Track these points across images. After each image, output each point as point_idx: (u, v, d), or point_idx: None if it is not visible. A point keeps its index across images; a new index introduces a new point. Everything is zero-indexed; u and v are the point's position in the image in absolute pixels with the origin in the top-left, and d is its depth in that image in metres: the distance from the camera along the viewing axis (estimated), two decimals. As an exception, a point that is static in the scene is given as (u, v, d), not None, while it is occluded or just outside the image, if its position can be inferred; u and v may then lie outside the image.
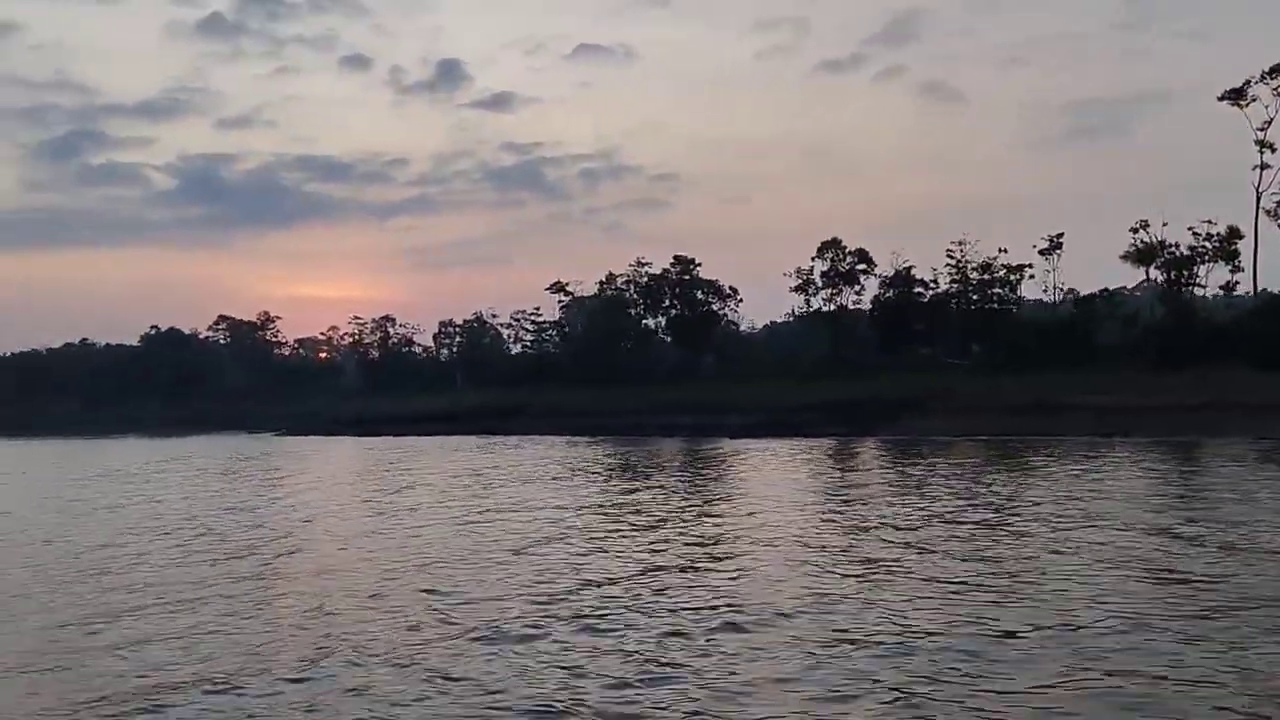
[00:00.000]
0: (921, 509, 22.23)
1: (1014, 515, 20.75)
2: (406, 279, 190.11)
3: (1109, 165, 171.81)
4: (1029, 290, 79.03)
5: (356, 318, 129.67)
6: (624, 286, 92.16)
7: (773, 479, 31.58)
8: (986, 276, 77.47)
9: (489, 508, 25.41)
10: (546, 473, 36.53)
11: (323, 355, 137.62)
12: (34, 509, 29.15)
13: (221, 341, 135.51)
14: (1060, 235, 74.71)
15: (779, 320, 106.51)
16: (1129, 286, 78.68)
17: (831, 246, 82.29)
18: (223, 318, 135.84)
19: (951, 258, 78.90)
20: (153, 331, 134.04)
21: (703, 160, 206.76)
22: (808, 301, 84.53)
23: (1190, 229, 65.69)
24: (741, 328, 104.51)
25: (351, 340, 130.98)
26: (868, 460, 39.23)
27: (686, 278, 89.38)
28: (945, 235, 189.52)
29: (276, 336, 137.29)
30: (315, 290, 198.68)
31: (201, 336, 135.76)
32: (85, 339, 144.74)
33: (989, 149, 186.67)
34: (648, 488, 29.61)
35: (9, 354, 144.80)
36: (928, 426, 52.65)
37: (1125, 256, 67.26)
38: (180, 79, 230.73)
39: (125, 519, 25.43)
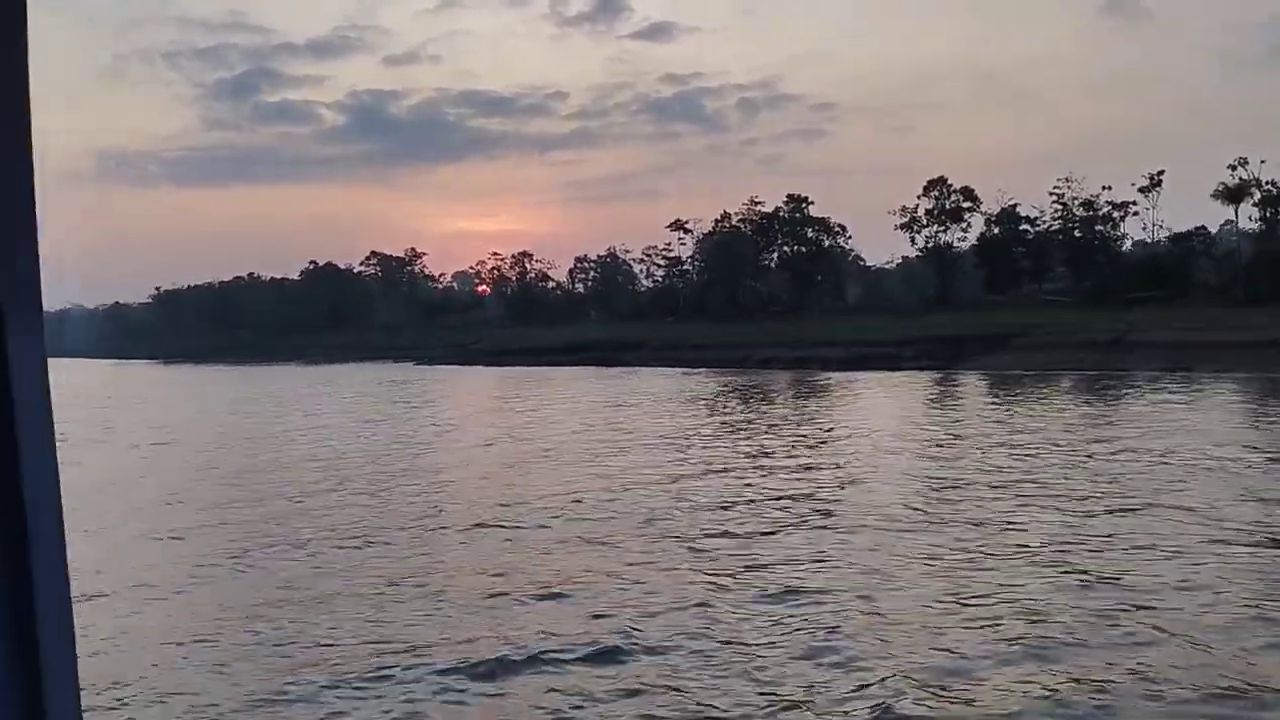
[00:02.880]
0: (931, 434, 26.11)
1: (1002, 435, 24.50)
2: (565, 212, 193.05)
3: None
4: (1133, 227, 79.63)
5: (495, 253, 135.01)
6: (739, 225, 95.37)
7: (840, 412, 35.63)
8: (1089, 214, 78.37)
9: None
10: (641, 401, 41.30)
11: (481, 289, 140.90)
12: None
13: (372, 276, 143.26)
14: (1161, 173, 75.19)
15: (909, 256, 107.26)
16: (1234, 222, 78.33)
17: (938, 184, 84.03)
18: (374, 253, 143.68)
19: (1057, 194, 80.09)
20: (311, 266, 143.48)
21: (864, 89, 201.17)
22: (912, 239, 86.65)
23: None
24: (869, 263, 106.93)
25: (494, 275, 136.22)
26: (928, 394, 42.67)
27: (798, 215, 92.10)
28: (1119, 164, 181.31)
29: (424, 270, 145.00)
30: (476, 224, 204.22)
31: (355, 271, 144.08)
32: (253, 273, 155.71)
33: (1175, 70, 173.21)
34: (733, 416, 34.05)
35: (188, 286, 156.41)
36: (1008, 361, 55.41)
37: (1216, 194, 67.72)
38: (350, 17, 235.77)
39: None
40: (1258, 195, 66.95)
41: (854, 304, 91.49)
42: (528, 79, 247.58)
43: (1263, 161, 67.08)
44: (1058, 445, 23.75)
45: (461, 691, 8.72)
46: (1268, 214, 67.02)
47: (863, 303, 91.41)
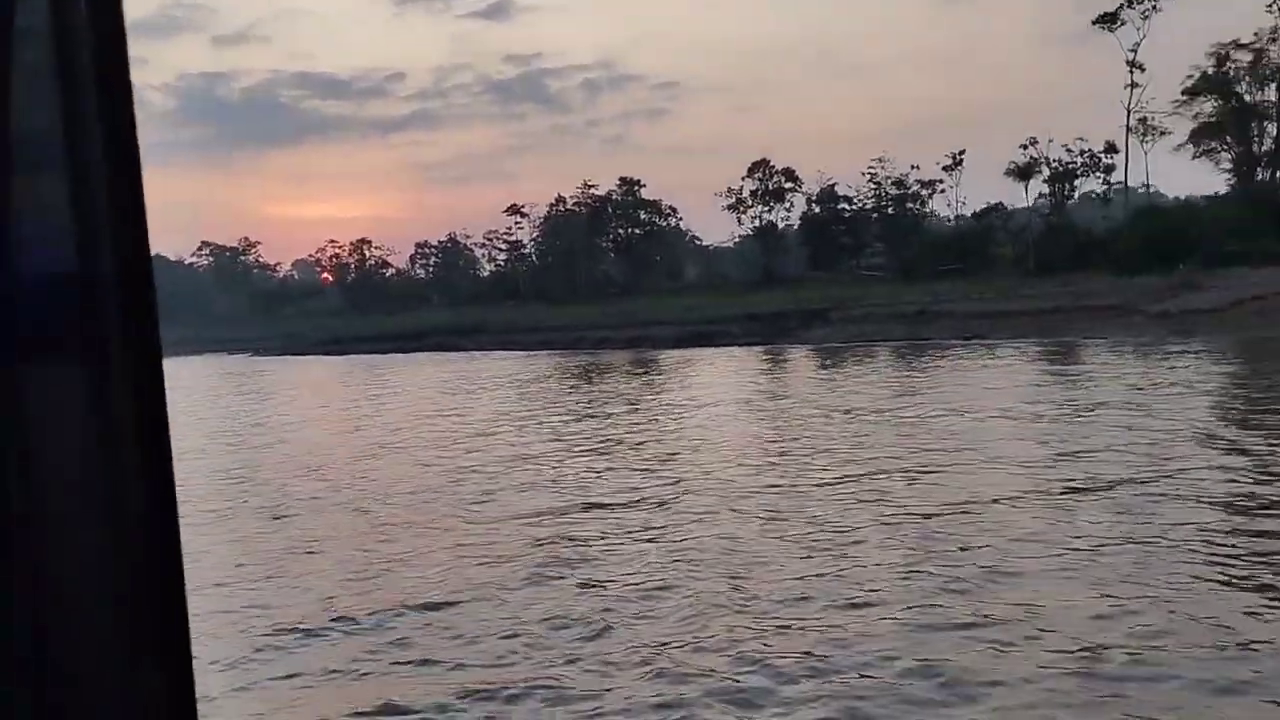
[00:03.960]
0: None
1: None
2: (409, 196, 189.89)
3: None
4: (941, 204, 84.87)
5: (333, 241, 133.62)
6: (574, 208, 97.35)
7: (663, 383, 37.84)
8: (900, 192, 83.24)
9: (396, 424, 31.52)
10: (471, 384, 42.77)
11: (325, 277, 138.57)
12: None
13: (205, 266, 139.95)
14: (962, 152, 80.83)
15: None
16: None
17: (761, 166, 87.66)
18: (205, 243, 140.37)
19: (871, 173, 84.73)
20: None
21: (705, 67, 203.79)
22: (739, 220, 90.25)
23: (1064, 145, 71.99)
24: (705, 243, 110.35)
25: (333, 263, 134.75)
26: (745, 367, 45.37)
27: (630, 198, 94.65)
28: (946, 138, 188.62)
29: (259, 259, 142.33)
30: (317, 210, 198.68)
31: (186, 262, 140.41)
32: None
33: (1001, 48, 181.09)
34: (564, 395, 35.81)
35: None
36: (827, 335, 58.92)
37: (1009, 172, 73.36)
38: None
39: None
40: (1046, 172, 72.73)
41: (690, 283, 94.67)
42: (365, 60, 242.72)
43: (1050, 140, 73.04)
44: (818, 406, 26.29)
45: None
46: (1055, 190, 72.92)
47: (698, 282, 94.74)
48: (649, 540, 12.87)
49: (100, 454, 0.82)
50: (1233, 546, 11.03)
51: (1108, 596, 9.48)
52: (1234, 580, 9.90)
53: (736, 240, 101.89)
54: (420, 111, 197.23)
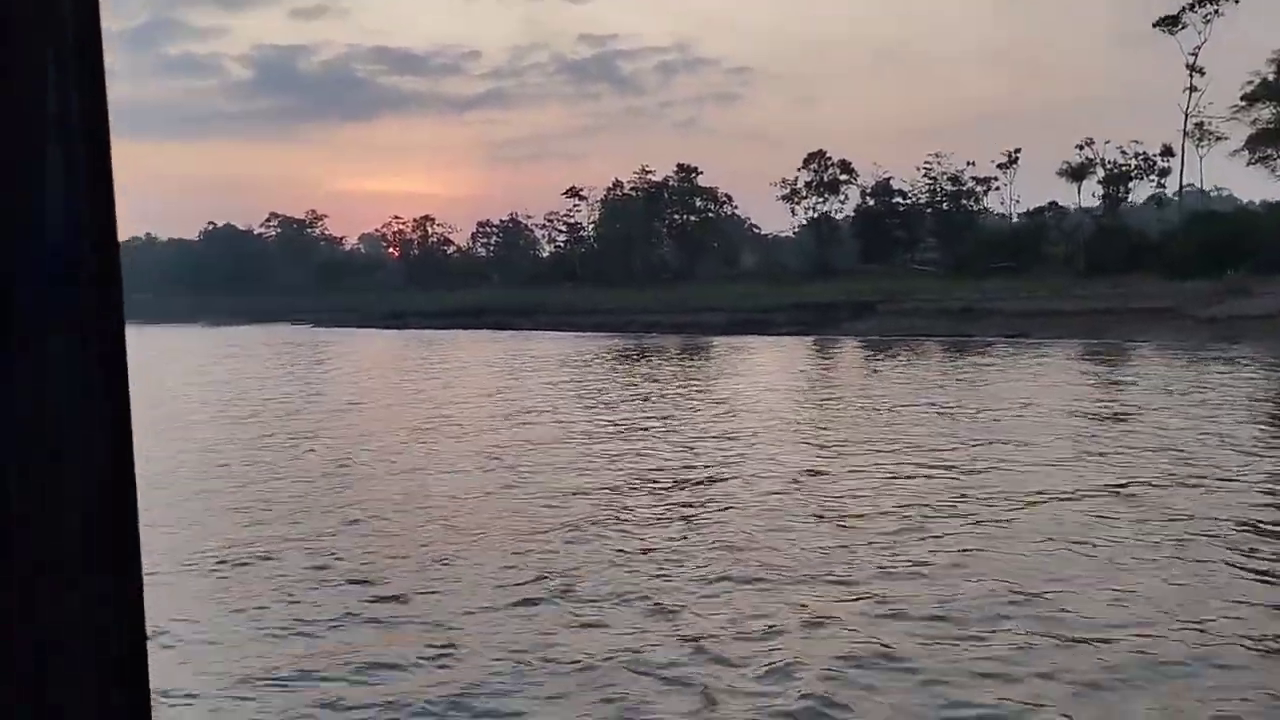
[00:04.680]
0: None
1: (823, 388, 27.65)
2: (481, 173, 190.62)
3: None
4: (996, 201, 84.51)
5: (396, 217, 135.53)
6: (631, 193, 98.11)
7: (713, 371, 38.65)
8: (955, 188, 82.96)
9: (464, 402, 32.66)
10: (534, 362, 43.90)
11: (392, 251, 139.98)
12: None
13: (273, 237, 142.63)
14: (1018, 151, 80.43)
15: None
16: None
17: (816, 157, 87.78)
18: (274, 214, 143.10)
19: (927, 168, 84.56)
20: (210, 227, 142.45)
21: (776, 54, 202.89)
22: (792, 210, 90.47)
23: (1119, 147, 71.44)
24: (764, 231, 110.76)
25: (396, 238, 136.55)
26: (788, 356, 45.98)
27: (686, 185, 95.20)
28: (1016, 136, 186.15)
29: (325, 232, 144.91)
30: (387, 184, 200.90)
31: (255, 232, 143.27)
32: (150, 233, 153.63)
33: (1066, 47, 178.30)
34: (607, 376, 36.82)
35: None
36: (873, 327, 59.25)
37: (1062, 172, 72.80)
38: None
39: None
40: (1101, 173, 72.17)
41: (744, 271, 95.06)
42: (441, 37, 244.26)
43: (1106, 142, 72.43)
44: (839, 398, 26.93)
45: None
46: (1109, 191, 72.33)
47: (753, 270, 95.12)
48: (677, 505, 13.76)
49: (57, 444, 0.82)
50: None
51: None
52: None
53: (795, 230, 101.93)
54: (495, 90, 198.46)
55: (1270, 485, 14.95)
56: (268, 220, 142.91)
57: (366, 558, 11.71)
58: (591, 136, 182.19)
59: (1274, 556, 11.18)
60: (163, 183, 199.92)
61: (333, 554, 11.87)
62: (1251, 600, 9.59)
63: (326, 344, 63.47)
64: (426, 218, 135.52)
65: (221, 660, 8.55)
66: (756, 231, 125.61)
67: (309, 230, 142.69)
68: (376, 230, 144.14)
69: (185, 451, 19.93)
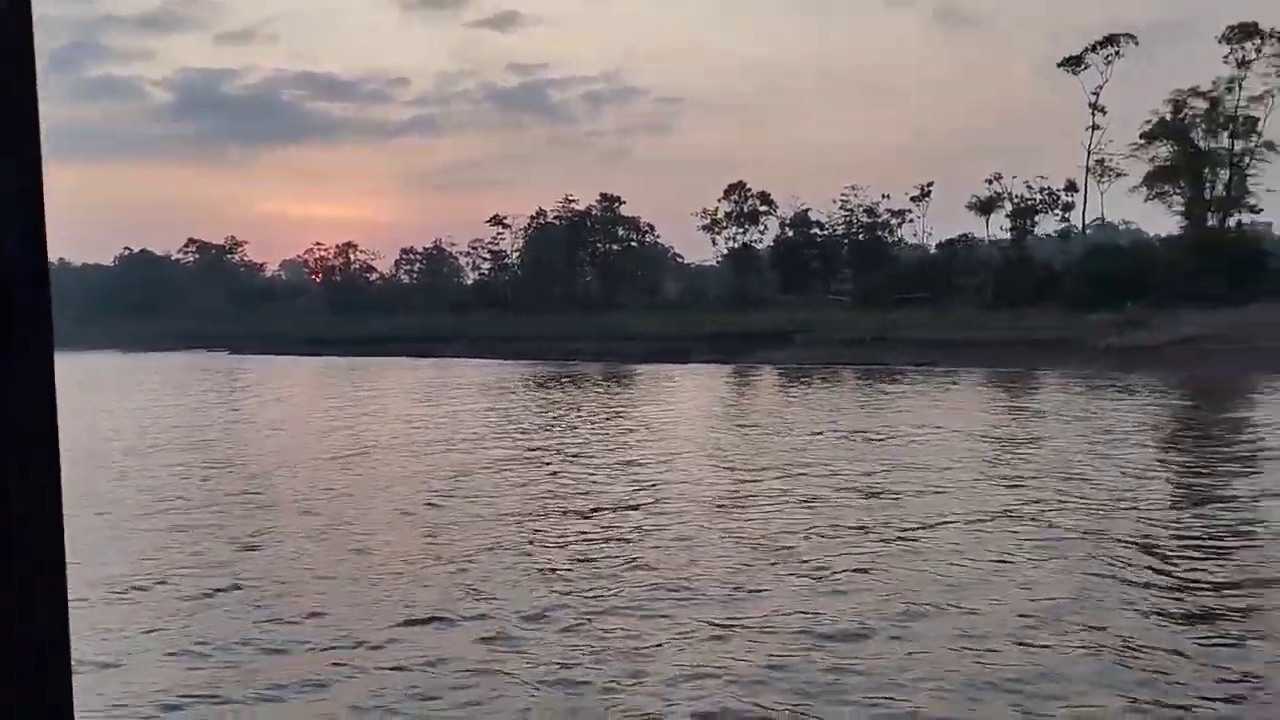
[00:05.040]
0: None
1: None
2: (408, 200, 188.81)
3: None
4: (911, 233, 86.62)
5: (318, 244, 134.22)
6: (553, 221, 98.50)
7: (606, 397, 39.08)
8: (870, 219, 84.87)
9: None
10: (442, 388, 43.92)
11: (314, 277, 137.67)
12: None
13: (189, 263, 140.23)
14: (930, 184, 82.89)
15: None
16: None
17: (736, 189, 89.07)
18: (192, 240, 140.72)
19: (843, 201, 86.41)
20: (126, 253, 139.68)
21: (707, 84, 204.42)
22: (713, 241, 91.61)
23: (1025, 182, 74.22)
24: (688, 261, 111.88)
25: (318, 264, 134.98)
26: (705, 384, 46.68)
27: (609, 214, 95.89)
28: (939, 167, 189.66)
29: (245, 258, 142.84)
30: (312, 210, 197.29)
31: (173, 258, 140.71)
32: (63, 258, 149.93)
33: (1009, 74, 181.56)
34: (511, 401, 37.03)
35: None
36: (787, 356, 60.35)
37: (970, 206, 75.22)
38: None
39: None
40: (1009, 207, 74.57)
41: (665, 300, 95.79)
42: (370, 63, 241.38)
43: (1015, 176, 74.97)
44: (734, 421, 27.59)
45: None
46: (1016, 225, 74.78)
47: (676, 299, 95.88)
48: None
49: None
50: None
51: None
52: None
53: (718, 260, 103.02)
54: (422, 117, 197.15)
55: (1155, 505, 15.80)
56: (185, 246, 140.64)
57: (271, 583, 11.86)
58: (519, 165, 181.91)
59: (1154, 570, 11.90)
60: (78, 208, 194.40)
61: (236, 578, 12.00)
62: (1131, 608, 10.26)
63: (243, 371, 62.72)
64: (349, 244, 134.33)
65: (119, 684, 8.68)
66: (680, 261, 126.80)
67: (228, 256, 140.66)
68: (299, 257, 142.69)
69: (95, 479, 19.75)
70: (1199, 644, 9.33)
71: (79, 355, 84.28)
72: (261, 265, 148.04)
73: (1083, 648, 9.17)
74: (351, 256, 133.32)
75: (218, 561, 13.06)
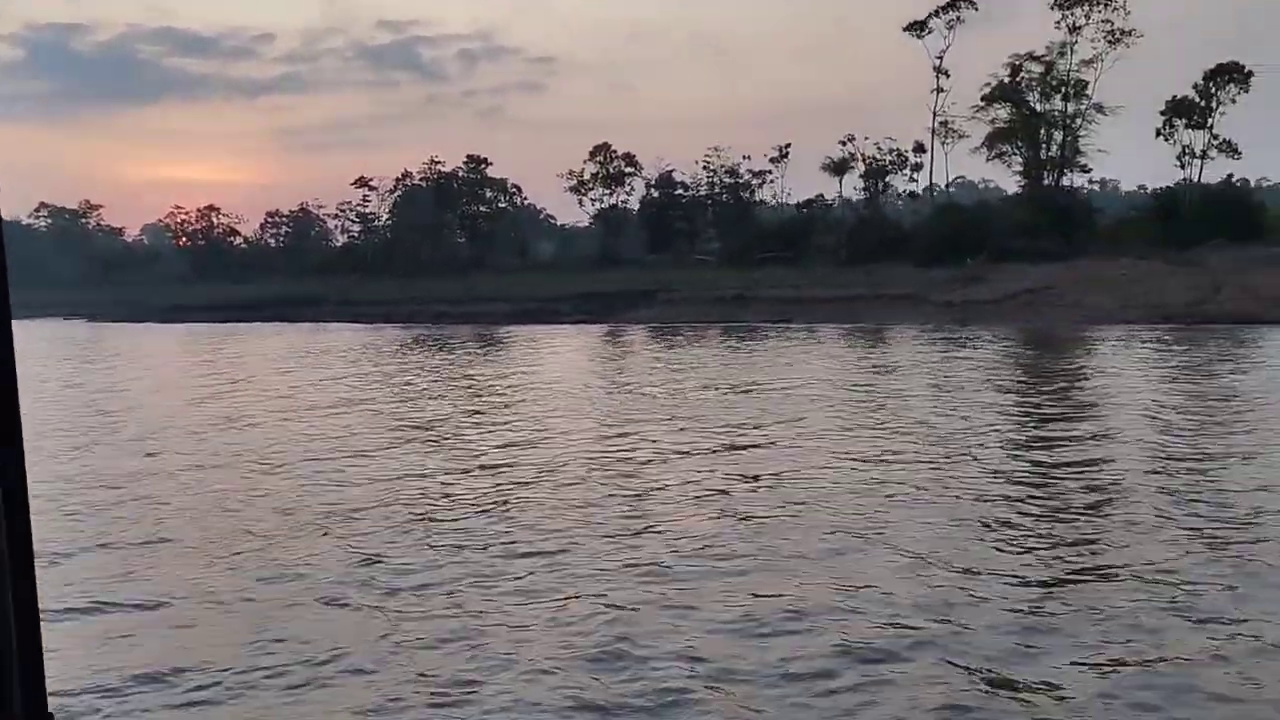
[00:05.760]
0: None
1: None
2: (276, 161, 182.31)
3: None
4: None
5: (178, 207, 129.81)
6: (421, 183, 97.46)
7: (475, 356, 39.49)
8: (732, 180, 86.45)
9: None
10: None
11: (179, 242, 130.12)
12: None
13: (42, 229, 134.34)
14: (788, 146, 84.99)
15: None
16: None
17: (601, 150, 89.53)
18: (44, 204, 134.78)
19: (708, 162, 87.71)
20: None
21: (584, 44, 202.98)
22: (580, 202, 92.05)
23: (875, 143, 76.84)
24: (561, 222, 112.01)
25: (181, 228, 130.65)
26: (570, 344, 47.41)
27: (475, 176, 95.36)
28: (829, 125, 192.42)
29: (101, 222, 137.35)
30: (173, 172, 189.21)
31: (24, 223, 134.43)
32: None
33: (876, 36, 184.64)
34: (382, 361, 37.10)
35: None
36: (652, 315, 61.44)
37: (824, 167, 77.55)
38: None
39: None
40: (862, 168, 77.08)
41: (534, 262, 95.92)
42: (231, 19, 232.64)
43: (866, 138, 77.47)
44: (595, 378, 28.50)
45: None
46: (869, 186, 77.40)
47: (546, 261, 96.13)
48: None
49: None
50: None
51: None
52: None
53: (591, 222, 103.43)
54: (289, 75, 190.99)
55: (989, 449, 17.14)
56: (37, 210, 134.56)
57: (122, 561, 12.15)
58: (391, 125, 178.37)
59: (1001, 520, 12.98)
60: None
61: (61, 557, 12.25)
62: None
63: (99, 341, 60.90)
64: (211, 207, 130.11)
65: None
66: (553, 223, 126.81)
67: (83, 220, 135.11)
68: (160, 220, 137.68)
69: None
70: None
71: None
72: (121, 230, 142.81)
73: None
74: (214, 220, 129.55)
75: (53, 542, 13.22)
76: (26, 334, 67.45)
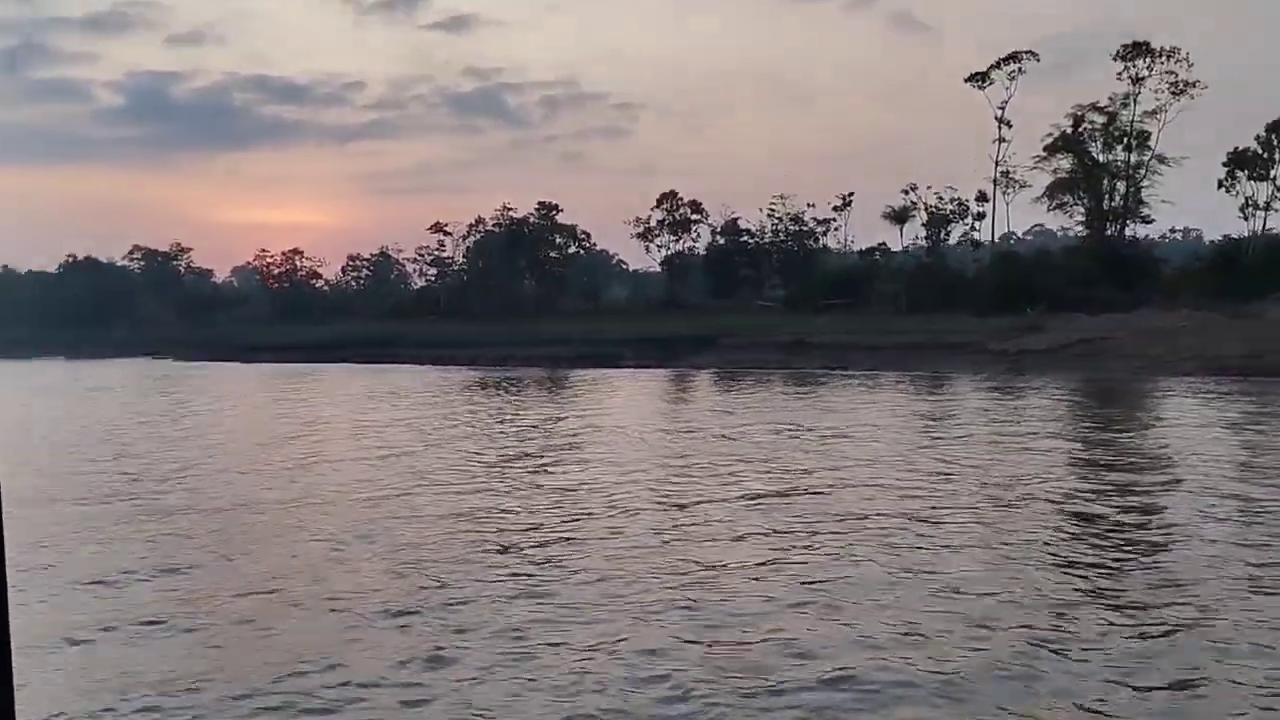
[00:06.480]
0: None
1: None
2: (363, 205, 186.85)
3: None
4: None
5: (263, 250, 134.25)
6: (493, 229, 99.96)
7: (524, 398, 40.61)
8: (797, 228, 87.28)
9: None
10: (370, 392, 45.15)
11: (273, 283, 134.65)
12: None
13: (136, 270, 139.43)
14: (851, 195, 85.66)
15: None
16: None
17: (668, 198, 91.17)
18: (137, 247, 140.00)
19: (773, 209, 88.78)
20: (69, 259, 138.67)
21: (665, 89, 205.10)
22: (646, 248, 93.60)
23: (936, 192, 77.19)
24: (633, 267, 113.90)
25: (267, 270, 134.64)
26: (627, 385, 48.29)
27: (545, 222, 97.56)
28: (902, 169, 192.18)
29: (191, 264, 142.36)
30: (267, 216, 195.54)
31: (119, 264, 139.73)
32: (7, 265, 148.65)
33: (955, 81, 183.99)
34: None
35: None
36: (711, 360, 62.24)
37: (885, 216, 78.08)
38: None
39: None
40: (924, 216, 77.40)
41: (604, 306, 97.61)
42: (323, 66, 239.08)
43: (929, 187, 77.82)
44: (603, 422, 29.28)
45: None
46: (930, 233, 77.61)
47: (615, 306, 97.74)
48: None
49: None
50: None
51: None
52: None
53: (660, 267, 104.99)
54: (377, 121, 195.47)
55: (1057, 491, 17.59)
56: (131, 253, 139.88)
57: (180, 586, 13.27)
58: (475, 170, 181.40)
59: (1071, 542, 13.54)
60: (25, 212, 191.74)
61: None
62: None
63: (183, 378, 63.41)
64: (295, 251, 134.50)
65: None
66: (625, 267, 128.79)
67: (173, 263, 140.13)
68: (249, 263, 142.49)
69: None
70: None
71: (21, 363, 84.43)
72: (210, 271, 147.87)
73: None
74: (297, 263, 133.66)
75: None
76: (113, 372, 70.65)
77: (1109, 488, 18.03)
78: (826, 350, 59.36)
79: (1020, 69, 71.53)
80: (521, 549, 13.84)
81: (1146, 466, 20.57)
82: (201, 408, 41.79)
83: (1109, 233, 68.80)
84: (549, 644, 9.76)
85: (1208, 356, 47.34)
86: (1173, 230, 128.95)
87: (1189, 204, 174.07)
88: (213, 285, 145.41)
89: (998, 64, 71.89)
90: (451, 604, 11.19)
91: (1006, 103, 73.09)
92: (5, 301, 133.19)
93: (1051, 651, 9.29)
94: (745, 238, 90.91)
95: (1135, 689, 8.37)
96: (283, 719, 8.30)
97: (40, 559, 13.62)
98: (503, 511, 16.68)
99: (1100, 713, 7.97)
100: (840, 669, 8.88)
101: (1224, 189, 66.77)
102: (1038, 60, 72.22)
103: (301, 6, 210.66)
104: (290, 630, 10.52)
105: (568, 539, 14.40)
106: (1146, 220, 70.51)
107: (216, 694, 8.80)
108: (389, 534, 14.99)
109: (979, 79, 72.97)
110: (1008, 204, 76.33)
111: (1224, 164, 66.83)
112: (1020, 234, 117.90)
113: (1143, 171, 67.86)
